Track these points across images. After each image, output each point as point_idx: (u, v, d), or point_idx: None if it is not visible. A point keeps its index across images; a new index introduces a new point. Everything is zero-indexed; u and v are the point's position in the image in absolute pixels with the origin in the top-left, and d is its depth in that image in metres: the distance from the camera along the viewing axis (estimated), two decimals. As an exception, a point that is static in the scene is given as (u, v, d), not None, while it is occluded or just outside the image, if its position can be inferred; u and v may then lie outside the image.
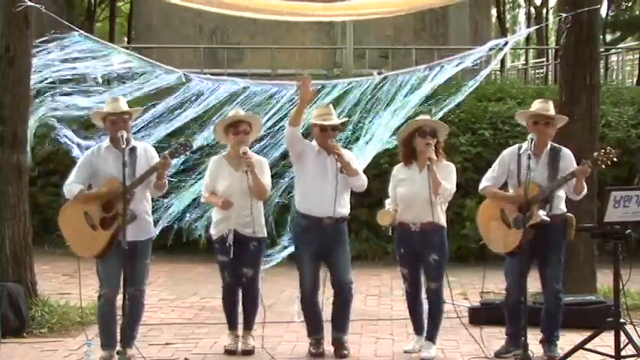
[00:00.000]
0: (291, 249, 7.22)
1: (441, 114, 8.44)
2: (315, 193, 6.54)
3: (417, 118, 6.92)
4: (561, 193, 6.44)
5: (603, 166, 6.25)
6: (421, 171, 6.51)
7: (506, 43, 9.09)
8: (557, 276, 6.45)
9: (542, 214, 6.21)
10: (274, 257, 8.02)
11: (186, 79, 8.75)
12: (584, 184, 6.32)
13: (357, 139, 8.67)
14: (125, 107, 6.35)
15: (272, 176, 6.99)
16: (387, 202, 6.81)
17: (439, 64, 8.67)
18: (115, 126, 6.18)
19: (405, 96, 8.49)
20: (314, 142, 6.73)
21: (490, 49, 8.76)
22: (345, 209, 6.63)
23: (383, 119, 8.46)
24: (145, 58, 9.01)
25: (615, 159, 6.18)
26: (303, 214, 6.62)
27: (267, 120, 8.29)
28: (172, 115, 8.64)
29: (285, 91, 8.57)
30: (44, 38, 8.20)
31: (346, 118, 7.71)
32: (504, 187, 6.64)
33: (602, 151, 6.21)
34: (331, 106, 6.96)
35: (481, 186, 6.70)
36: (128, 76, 8.64)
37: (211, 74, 16.16)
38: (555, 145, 6.55)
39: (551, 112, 6.50)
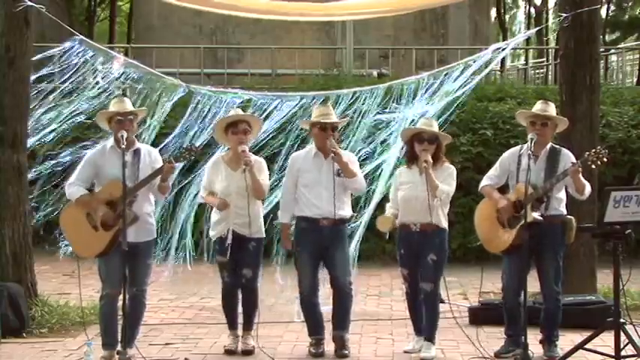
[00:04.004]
0: None
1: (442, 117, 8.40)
2: (311, 195, 6.54)
3: (418, 123, 6.91)
4: (561, 195, 6.43)
5: (593, 166, 6.23)
6: (421, 173, 6.50)
7: (504, 48, 9.07)
8: (555, 277, 6.44)
9: (535, 214, 6.21)
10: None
11: (189, 91, 8.75)
12: (585, 182, 6.30)
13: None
14: (130, 107, 6.36)
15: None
16: (388, 205, 6.81)
17: (443, 71, 8.65)
18: (121, 126, 6.17)
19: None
20: (308, 147, 6.75)
21: (493, 52, 8.74)
22: (344, 211, 6.62)
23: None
24: (148, 69, 9.00)
25: (606, 159, 6.17)
26: (301, 216, 6.62)
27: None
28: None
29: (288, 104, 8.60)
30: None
31: (347, 118, 7.71)
32: (506, 187, 6.64)
33: (593, 151, 6.20)
34: (330, 105, 6.94)
35: (480, 185, 6.71)
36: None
37: (211, 74, 16.23)
38: (555, 145, 6.54)
39: (550, 113, 6.49)
